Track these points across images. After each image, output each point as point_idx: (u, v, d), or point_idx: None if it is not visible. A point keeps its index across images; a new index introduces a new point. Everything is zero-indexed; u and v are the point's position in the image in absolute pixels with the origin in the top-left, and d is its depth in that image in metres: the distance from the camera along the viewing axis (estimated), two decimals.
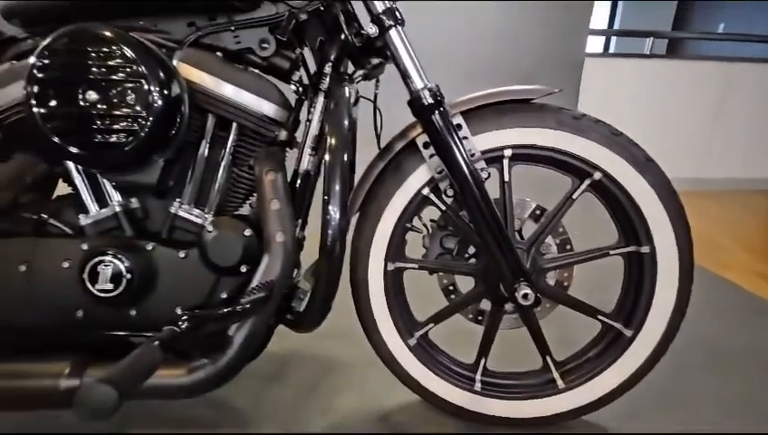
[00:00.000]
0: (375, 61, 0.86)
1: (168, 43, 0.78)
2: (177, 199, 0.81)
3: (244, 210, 0.87)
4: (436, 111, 0.78)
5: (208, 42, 0.80)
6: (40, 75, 0.66)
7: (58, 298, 0.74)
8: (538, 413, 0.97)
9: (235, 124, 0.80)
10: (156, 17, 0.79)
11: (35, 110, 0.66)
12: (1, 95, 0.74)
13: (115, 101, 0.66)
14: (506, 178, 0.89)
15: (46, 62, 0.65)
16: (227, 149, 0.81)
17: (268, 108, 0.78)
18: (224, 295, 0.79)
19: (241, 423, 1.00)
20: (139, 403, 0.95)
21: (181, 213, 0.80)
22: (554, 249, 0.95)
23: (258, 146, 0.82)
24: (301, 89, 0.86)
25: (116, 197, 0.80)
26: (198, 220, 0.81)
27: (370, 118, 0.98)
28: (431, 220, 0.99)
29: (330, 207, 0.66)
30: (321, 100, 0.84)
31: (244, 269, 0.77)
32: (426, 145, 0.85)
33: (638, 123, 3.45)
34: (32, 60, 0.66)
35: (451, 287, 1.01)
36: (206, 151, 0.81)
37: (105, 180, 0.80)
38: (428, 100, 0.77)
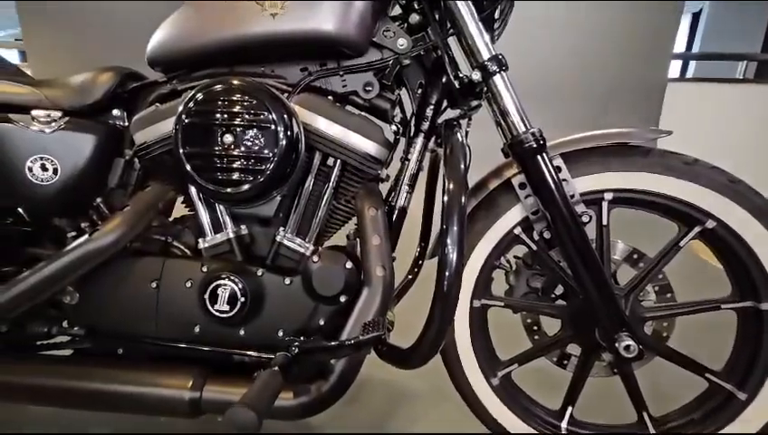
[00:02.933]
0: (474, 103, 0.89)
1: (282, 86, 0.86)
2: (281, 228, 0.87)
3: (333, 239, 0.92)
4: (539, 155, 0.79)
5: (318, 85, 0.87)
6: (185, 121, 0.75)
7: (180, 314, 0.83)
8: None
9: (339, 161, 0.85)
10: (274, 64, 0.88)
11: (181, 150, 0.76)
12: (148, 133, 0.86)
13: (248, 143, 0.74)
14: (605, 222, 0.86)
15: (192, 109, 0.75)
16: (330, 184, 0.86)
17: (372, 147, 0.83)
18: (321, 322, 0.83)
19: None
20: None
21: (285, 241, 0.87)
22: (653, 297, 0.90)
23: (358, 182, 0.87)
24: (400, 129, 0.90)
25: (229, 224, 0.88)
26: (300, 249, 0.86)
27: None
28: (515, 257, 0.99)
29: (447, 247, 0.68)
30: (420, 140, 0.88)
31: (342, 299, 0.81)
32: (522, 186, 0.85)
33: (728, 152, 3.17)
34: (180, 108, 0.76)
35: (535, 327, 0.99)
36: (311, 186, 0.87)
37: (221, 208, 0.88)
38: (532, 144, 0.78)
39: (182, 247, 0.91)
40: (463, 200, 0.69)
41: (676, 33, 3.13)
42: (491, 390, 0.96)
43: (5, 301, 0.76)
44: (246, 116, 0.74)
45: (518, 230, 0.90)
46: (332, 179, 0.86)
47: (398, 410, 1.15)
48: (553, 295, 0.96)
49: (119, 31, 3.12)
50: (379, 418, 1.12)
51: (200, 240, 0.88)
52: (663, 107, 3.32)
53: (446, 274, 0.67)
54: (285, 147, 0.75)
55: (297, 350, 0.73)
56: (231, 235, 0.88)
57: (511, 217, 0.89)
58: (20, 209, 0.89)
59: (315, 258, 0.82)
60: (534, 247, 0.91)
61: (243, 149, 0.75)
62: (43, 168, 0.85)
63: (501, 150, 0.93)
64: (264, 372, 0.65)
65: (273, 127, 0.74)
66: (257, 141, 0.74)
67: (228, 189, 0.76)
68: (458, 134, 0.80)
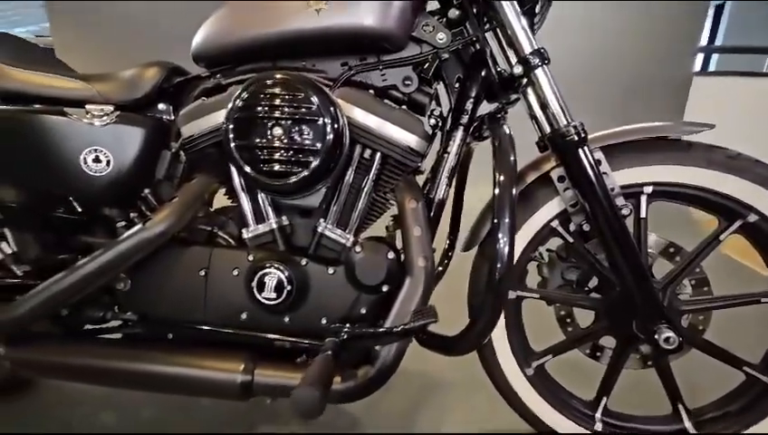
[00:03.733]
0: (513, 97, 0.90)
1: (323, 81, 0.88)
2: (322, 220, 0.90)
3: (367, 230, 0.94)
4: (580, 149, 0.79)
5: (358, 79, 0.89)
6: (237, 113, 0.78)
7: (227, 301, 0.86)
8: None
9: (379, 154, 0.87)
10: (314, 58, 0.90)
11: (231, 142, 0.78)
12: (195, 126, 0.88)
13: (296, 136, 0.77)
14: (643, 215, 0.87)
15: (243, 102, 0.78)
16: (370, 176, 0.88)
17: (413, 140, 0.85)
18: (362, 311, 0.86)
19: (355, 426, 1.06)
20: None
21: (327, 232, 0.89)
22: (689, 290, 0.91)
23: (398, 175, 0.88)
24: (439, 122, 0.92)
25: (272, 214, 0.91)
26: (341, 240, 0.89)
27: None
28: (548, 250, 1.00)
29: (499, 240, 0.70)
30: (459, 133, 0.89)
31: (384, 289, 0.84)
32: (561, 179, 0.86)
33: (756, 147, 3.10)
34: (231, 101, 0.78)
35: (568, 319, 1.00)
36: (351, 178, 0.89)
37: (264, 199, 0.91)
38: (574, 137, 0.79)
39: (226, 237, 0.94)
40: (514, 193, 0.71)
41: (703, 28, 3.06)
42: (525, 380, 0.97)
43: (68, 286, 0.80)
44: (296, 109, 0.76)
45: (555, 223, 0.91)
46: (372, 172, 0.87)
47: (431, 399, 1.17)
48: (587, 288, 0.97)
49: (144, 27, 3.18)
50: (413, 407, 1.14)
51: (244, 230, 0.91)
52: (687, 101, 3.26)
53: (498, 265, 0.69)
54: (332, 140, 0.77)
55: (346, 336, 0.75)
56: (274, 225, 0.90)
57: (548, 210, 0.90)
58: (72, 199, 0.93)
59: (358, 249, 0.84)
60: (571, 240, 0.92)
61: (292, 141, 0.77)
62: (97, 159, 0.89)
63: (536, 144, 0.94)
64: (318, 357, 0.68)
65: (321, 120, 0.76)
66: (306, 134, 0.76)
67: (277, 181, 0.78)
68: (505, 127, 0.82)
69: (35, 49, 1.10)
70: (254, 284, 0.83)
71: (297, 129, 0.76)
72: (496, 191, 0.71)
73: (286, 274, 0.83)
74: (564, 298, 0.97)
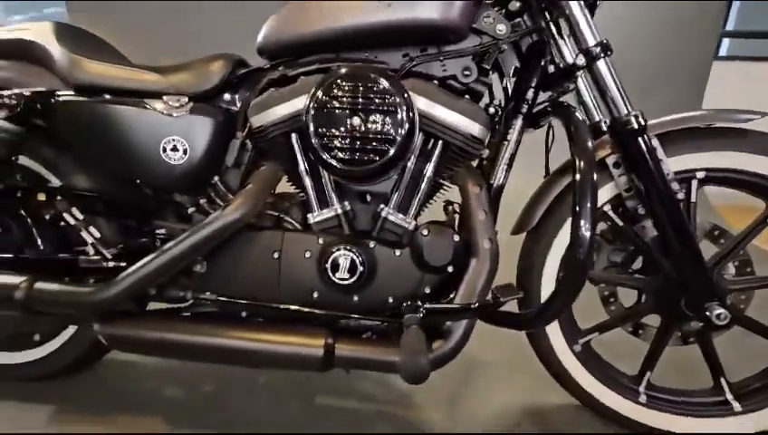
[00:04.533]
0: (570, 86, 0.93)
1: (387, 71, 0.92)
2: (383, 205, 0.95)
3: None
4: (640, 137, 0.83)
5: (419, 70, 0.93)
6: (317, 105, 0.82)
7: (300, 282, 0.92)
8: (707, 431, 0.98)
9: (441, 142, 0.91)
10: (376, 50, 0.94)
11: (312, 132, 0.83)
12: (265, 116, 0.93)
13: (373, 125, 0.81)
14: (693, 199, 0.91)
15: (323, 93, 0.82)
16: (432, 163, 0.93)
17: (476, 129, 0.89)
18: (426, 290, 0.91)
19: (403, 403, 1.13)
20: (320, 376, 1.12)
21: (390, 217, 0.94)
22: (732, 271, 0.96)
23: (459, 161, 0.93)
24: (499, 111, 0.96)
25: (336, 200, 0.96)
26: (404, 224, 0.94)
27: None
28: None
29: (581, 223, 0.74)
30: (519, 122, 0.93)
31: (449, 270, 0.89)
32: (616, 164, 0.91)
33: None
34: (310, 95, 0.83)
35: (612, 299, 1.05)
36: (413, 165, 0.94)
37: (328, 186, 0.96)
38: (634, 125, 0.83)
39: (292, 221, 0.99)
40: (594, 177, 0.75)
41: (728, 13, 3.04)
42: (573, 356, 1.03)
43: (157, 268, 0.86)
44: (374, 100, 0.81)
45: (607, 208, 0.96)
46: (434, 159, 0.92)
47: (475, 379, 1.23)
48: (631, 269, 1.02)
49: (160, 18, 3.19)
50: (457, 385, 1.20)
51: (309, 215, 0.96)
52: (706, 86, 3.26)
53: (580, 249, 0.73)
54: (408, 129, 0.81)
55: (425, 311, 0.81)
56: (339, 210, 0.95)
57: (602, 195, 0.94)
58: (152, 187, 0.98)
59: (425, 232, 0.90)
60: (621, 223, 0.97)
61: (369, 130, 0.82)
62: (175, 148, 0.94)
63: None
64: (411, 331, 0.74)
65: (397, 111, 0.80)
66: (383, 124, 0.81)
67: (354, 168, 0.83)
68: (577, 113, 0.85)
69: (93, 38, 1.14)
70: (327, 265, 0.89)
71: (375, 118, 0.81)
72: (577, 176, 0.75)
73: (358, 255, 0.88)
74: (611, 279, 1.02)
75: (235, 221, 0.88)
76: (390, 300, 0.92)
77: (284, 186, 1.03)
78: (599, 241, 1.03)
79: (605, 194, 0.94)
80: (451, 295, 0.90)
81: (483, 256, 0.85)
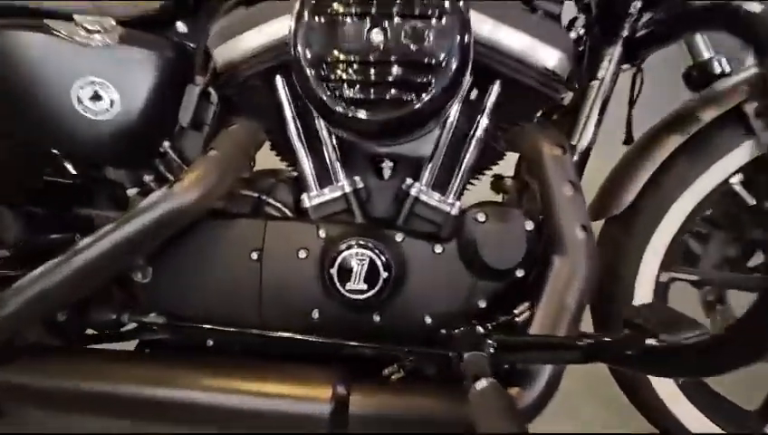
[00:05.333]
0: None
1: None
2: (409, 180, 0.65)
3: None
4: None
5: None
6: (310, 16, 0.51)
7: (292, 295, 0.61)
8: None
9: (497, 82, 0.61)
10: None
11: (301, 58, 0.51)
12: (235, 47, 0.61)
13: (406, 44, 0.50)
14: None
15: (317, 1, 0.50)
16: (484, 116, 0.62)
17: (554, 58, 0.58)
18: (482, 304, 0.62)
19: None
20: None
21: (423, 197, 0.64)
22: None
23: (527, 112, 0.63)
24: (585, 37, 0.65)
25: (343, 174, 0.66)
26: (444, 207, 0.64)
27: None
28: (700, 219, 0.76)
29: None
30: (617, 51, 0.63)
31: (519, 274, 0.59)
32: (761, 114, 0.61)
33: None
34: (297, 5, 0.51)
35: (719, 305, 0.77)
36: (456, 119, 0.63)
37: (331, 153, 0.65)
38: None
39: (279, 206, 0.68)
40: None
41: None
42: (675, 385, 0.75)
43: (64, 278, 0.55)
44: (408, 4, 0.49)
45: (736, 179, 0.66)
46: (487, 109, 0.62)
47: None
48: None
49: None
50: None
51: (304, 197, 0.66)
52: None
53: None
54: (461, 49, 0.50)
55: (496, 347, 0.50)
56: (347, 188, 0.65)
57: (733, 160, 0.65)
58: (63, 154, 0.66)
59: (480, 217, 0.59)
60: (751, 202, 0.68)
61: (400, 53, 0.50)
62: (96, 96, 0.62)
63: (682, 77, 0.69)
64: (486, 390, 0.43)
65: (443, 20, 0.49)
66: (422, 41, 0.50)
67: (372, 116, 0.52)
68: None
69: None
70: (332, 270, 0.58)
71: (409, 33, 0.50)
72: None
73: (382, 256, 0.58)
74: (726, 280, 0.74)
75: (188, 206, 0.57)
76: (428, 320, 0.61)
77: (268, 158, 0.72)
78: (707, 229, 0.75)
79: (740, 157, 0.65)
80: (519, 310, 0.61)
81: (574, 253, 0.55)
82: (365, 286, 0.58)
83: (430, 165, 0.65)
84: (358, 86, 0.51)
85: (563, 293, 0.55)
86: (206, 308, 0.63)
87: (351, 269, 0.58)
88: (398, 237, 0.61)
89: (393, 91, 0.51)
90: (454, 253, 0.61)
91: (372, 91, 0.51)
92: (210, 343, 0.65)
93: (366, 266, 0.58)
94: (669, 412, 0.77)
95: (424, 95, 0.51)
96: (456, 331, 0.53)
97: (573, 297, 0.54)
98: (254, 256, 0.62)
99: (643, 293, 0.73)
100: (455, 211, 0.64)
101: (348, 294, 0.59)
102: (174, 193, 0.57)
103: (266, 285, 0.62)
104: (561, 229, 0.56)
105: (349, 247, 0.58)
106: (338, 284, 0.59)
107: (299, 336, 0.60)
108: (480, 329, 0.53)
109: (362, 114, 0.52)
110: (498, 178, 0.77)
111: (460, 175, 0.65)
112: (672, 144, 0.67)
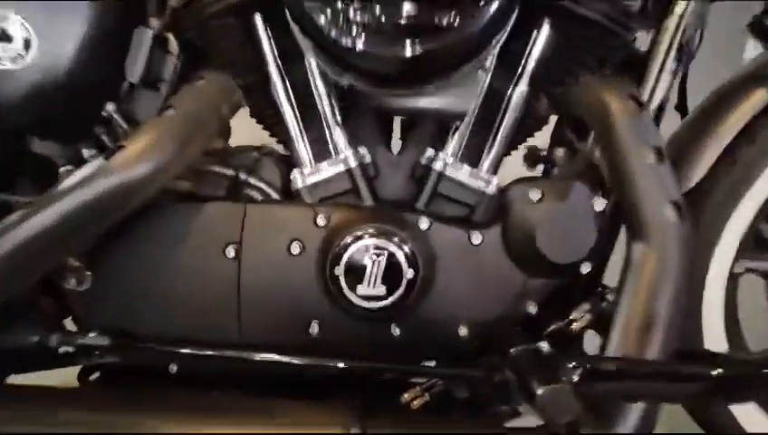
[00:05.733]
0: None
1: None
2: (431, 150, 0.51)
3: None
4: None
5: None
6: None
7: (282, 303, 0.46)
8: None
9: (547, 20, 0.47)
10: None
11: None
12: None
13: None
14: None
15: None
16: (529, 66, 0.48)
17: None
18: (531, 309, 0.47)
19: None
20: None
21: (450, 172, 0.49)
22: None
23: (584, 60, 0.48)
24: None
25: (344, 143, 0.51)
26: (478, 184, 0.49)
27: None
28: None
29: None
30: None
31: (585, 269, 0.45)
32: None
33: None
34: None
35: None
36: (491, 73, 0.49)
37: (328, 117, 0.50)
38: None
39: (262, 186, 0.52)
40: None
41: None
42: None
43: None
44: None
45: None
46: (537, 53, 0.47)
47: None
48: None
49: None
50: None
51: (296, 174, 0.50)
52: None
53: None
54: None
55: (581, 374, 0.35)
56: (352, 163, 0.50)
57: None
58: None
59: (535, 195, 0.45)
60: None
61: None
62: (5, 37, 0.45)
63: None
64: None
65: None
66: None
67: (403, 47, 0.36)
68: None
69: None
70: (338, 269, 0.43)
71: None
72: None
73: (404, 248, 0.43)
74: None
75: (136, 182, 0.41)
76: (462, 332, 0.47)
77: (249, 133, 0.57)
78: None
79: None
80: (576, 315, 0.47)
81: (663, 239, 0.41)
82: (383, 290, 0.43)
83: (459, 131, 0.51)
84: (379, 7, 0.35)
85: (651, 295, 0.40)
86: (167, 323, 0.47)
87: (364, 268, 0.43)
88: (424, 224, 0.46)
89: (427, 15, 0.35)
90: (497, 243, 0.46)
91: (399, 14, 0.35)
92: (174, 368, 0.49)
93: (384, 263, 0.43)
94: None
95: (466, 21, 0.35)
96: (514, 350, 0.38)
97: (665, 301, 0.40)
98: (231, 252, 0.46)
99: (714, 288, 0.60)
100: (491, 189, 0.50)
101: (359, 302, 0.43)
102: (113, 165, 0.41)
103: (247, 291, 0.46)
104: (644, 209, 0.42)
105: (359, 238, 0.43)
106: (345, 287, 0.43)
107: (294, 360, 0.45)
108: (545, 346, 0.38)
109: (385, 49, 0.36)
110: (533, 151, 0.63)
111: (497, 143, 0.50)
112: (752, 107, 0.54)
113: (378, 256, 0.43)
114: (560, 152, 0.53)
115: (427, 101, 0.49)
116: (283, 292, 0.46)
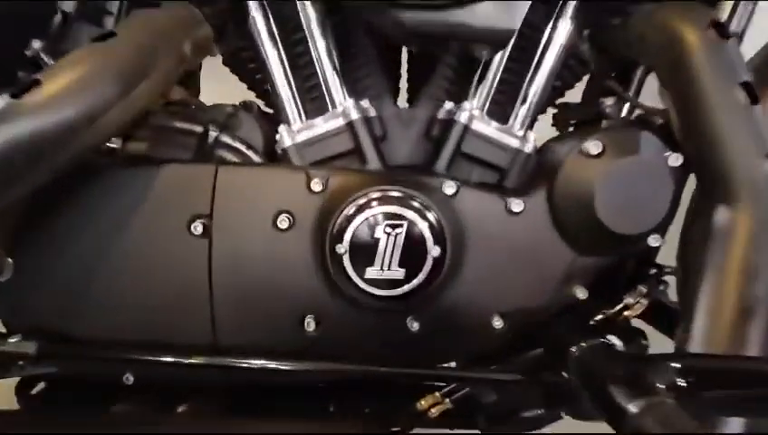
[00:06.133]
0: None
1: None
2: (449, 103, 0.41)
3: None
4: None
5: None
6: None
7: (268, 293, 0.36)
8: None
9: None
10: None
11: None
12: None
13: None
14: None
15: None
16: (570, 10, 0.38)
17: None
18: (581, 293, 0.38)
19: None
20: None
21: (477, 126, 0.40)
22: None
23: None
24: None
25: (343, 91, 0.40)
26: (511, 141, 0.40)
27: None
28: None
29: None
30: None
31: (654, 242, 0.36)
32: None
33: None
34: None
35: None
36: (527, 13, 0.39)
37: (324, 59, 0.40)
38: None
39: (238, 146, 0.41)
40: None
41: None
42: None
43: None
44: None
45: None
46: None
47: None
48: None
49: None
50: None
51: (283, 131, 0.40)
52: None
53: None
54: None
55: (686, 377, 0.26)
56: (354, 115, 0.40)
57: None
58: None
59: (595, 148, 0.35)
60: None
61: None
62: None
63: None
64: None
65: None
66: None
67: None
68: None
69: None
70: (341, 248, 0.33)
71: None
72: None
73: (429, 218, 0.33)
74: None
75: (57, 128, 0.29)
76: (497, 323, 0.37)
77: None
78: None
79: None
80: (628, 301, 0.38)
81: (756, 199, 0.33)
82: (400, 273, 0.33)
83: (486, 79, 0.41)
84: None
85: (746, 274, 0.31)
86: (117, 323, 0.37)
87: (375, 244, 0.33)
88: (449, 188, 0.36)
89: None
90: (542, 212, 0.36)
91: None
92: (130, 379, 0.38)
93: (402, 239, 0.32)
94: None
95: None
96: (576, 348, 0.29)
97: (766, 280, 0.31)
98: (198, 227, 0.35)
99: None
100: (528, 148, 0.40)
101: (368, 289, 0.33)
102: (25, 106, 0.29)
103: (221, 278, 0.35)
104: (735, 163, 0.33)
105: (367, 207, 0.33)
106: (350, 271, 0.33)
107: (285, 366, 0.34)
108: (617, 341, 0.29)
109: None
110: (564, 108, 0.53)
111: (531, 93, 0.41)
112: None
113: (393, 228, 0.32)
114: (609, 101, 0.44)
115: (454, 18, 0.37)
116: (269, 278, 0.36)
